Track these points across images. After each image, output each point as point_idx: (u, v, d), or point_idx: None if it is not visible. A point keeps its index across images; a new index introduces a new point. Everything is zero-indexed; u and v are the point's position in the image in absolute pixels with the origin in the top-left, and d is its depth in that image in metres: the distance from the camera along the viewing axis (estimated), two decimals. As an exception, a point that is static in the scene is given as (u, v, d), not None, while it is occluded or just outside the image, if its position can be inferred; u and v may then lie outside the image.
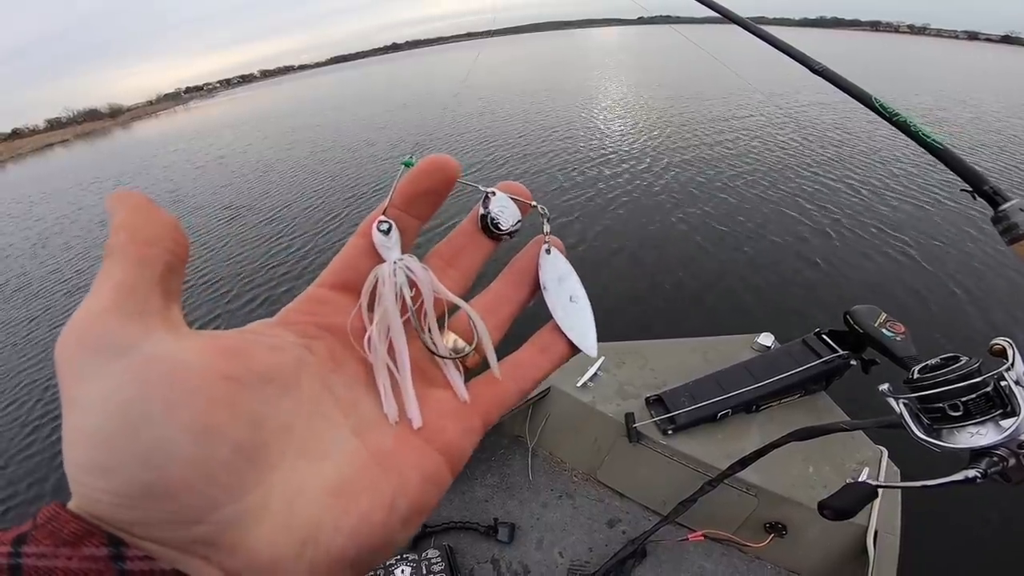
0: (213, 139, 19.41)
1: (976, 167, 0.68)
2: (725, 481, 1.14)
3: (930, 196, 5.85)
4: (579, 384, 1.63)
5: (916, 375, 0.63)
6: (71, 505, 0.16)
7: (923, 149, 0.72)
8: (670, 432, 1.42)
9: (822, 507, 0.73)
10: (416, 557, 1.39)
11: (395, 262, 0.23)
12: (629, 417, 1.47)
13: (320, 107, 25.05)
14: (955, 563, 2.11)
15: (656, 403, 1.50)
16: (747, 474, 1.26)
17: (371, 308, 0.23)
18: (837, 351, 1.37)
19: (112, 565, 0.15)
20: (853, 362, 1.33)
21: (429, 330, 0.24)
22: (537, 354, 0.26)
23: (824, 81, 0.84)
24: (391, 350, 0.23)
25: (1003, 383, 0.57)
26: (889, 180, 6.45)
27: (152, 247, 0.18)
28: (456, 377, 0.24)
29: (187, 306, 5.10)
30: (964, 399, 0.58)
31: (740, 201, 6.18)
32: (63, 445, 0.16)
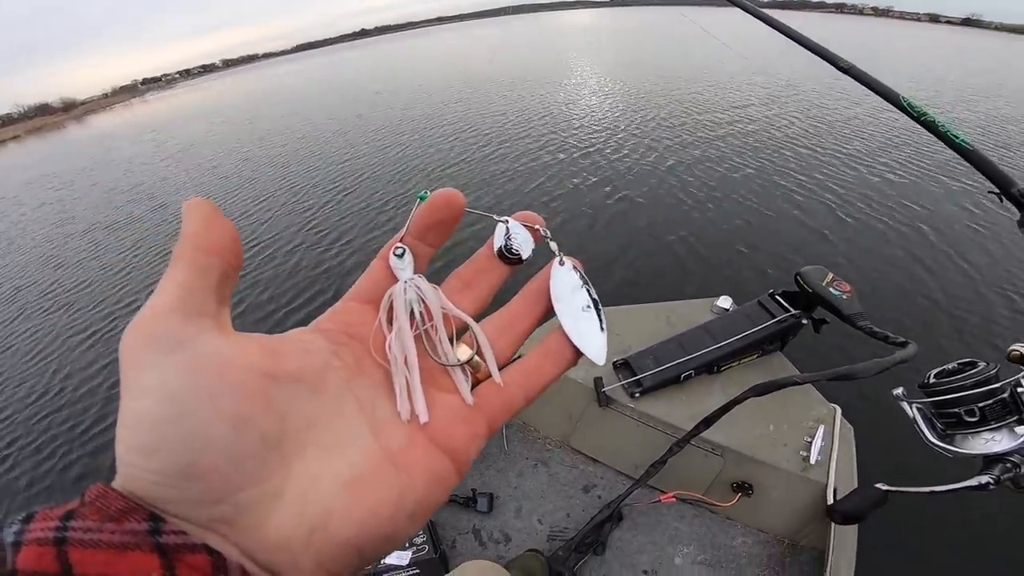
0: (174, 131, 18.55)
1: (1005, 170, 0.66)
2: (692, 442, 1.18)
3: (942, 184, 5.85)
4: None
5: (932, 379, 0.63)
6: (116, 484, 0.18)
7: (951, 149, 0.69)
8: (637, 395, 1.46)
9: (831, 511, 0.71)
10: (397, 532, 1.41)
11: (406, 281, 0.26)
12: (598, 381, 1.50)
13: (289, 96, 24.19)
14: (912, 516, 2.22)
15: (623, 367, 1.53)
16: (712, 434, 1.30)
17: (391, 322, 0.26)
18: (790, 311, 1.43)
19: (150, 538, 0.17)
20: (804, 321, 1.39)
21: (440, 341, 0.26)
22: (543, 360, 0.27)
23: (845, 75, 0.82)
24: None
25: (1020, 389, 0.57)
26: (894, 164, 6.51)
27: (212, 257, 0.21)
28: (462, 382, 0.26)
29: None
30: (980, 405, 0.58)
31: (709, 170, 6.35)
32: (117, 427, 0.18)
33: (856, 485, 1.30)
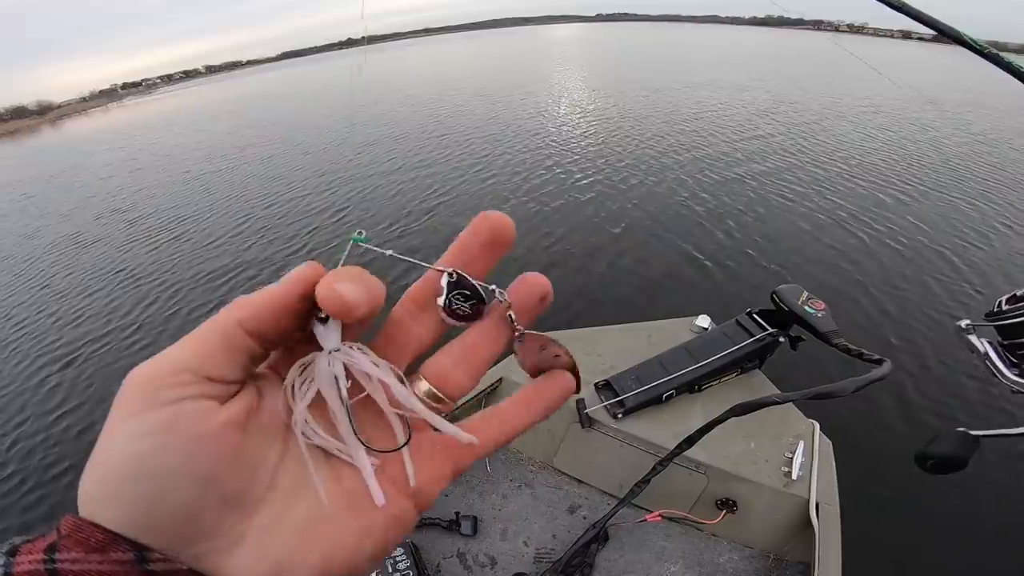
0: (151, 139, 18.10)
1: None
2: (675, 461, 1.18)
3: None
4: None
5: (1005, 306, 0.56)
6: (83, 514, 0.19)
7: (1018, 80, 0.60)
8: (620, 416, 1.46)
9: (921, 459, 0.61)
10: (380, 557, 1.38)
11: (331, 352, 0.23)
12: (580, 403, 1.50)
13: (274, 105, 23.93)
14: (895, 529, 2.27)
15: (605, 388, 1.54)
16: (695, 452, 1.31)
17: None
18: (767, 329, 1.45)
19: (138, 567, 0.18)
20: (782, 339, 1.42)
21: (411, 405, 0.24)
22: (517, 408, 0.26)
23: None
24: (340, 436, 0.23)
25: None
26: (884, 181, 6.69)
27: (249, 339, 0.21)
28: (410, 468, 0.24)
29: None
30: None
31: (686, 189, 6.48)
32: (87, 464, 0.19)
33: (838, 499, 1.32)
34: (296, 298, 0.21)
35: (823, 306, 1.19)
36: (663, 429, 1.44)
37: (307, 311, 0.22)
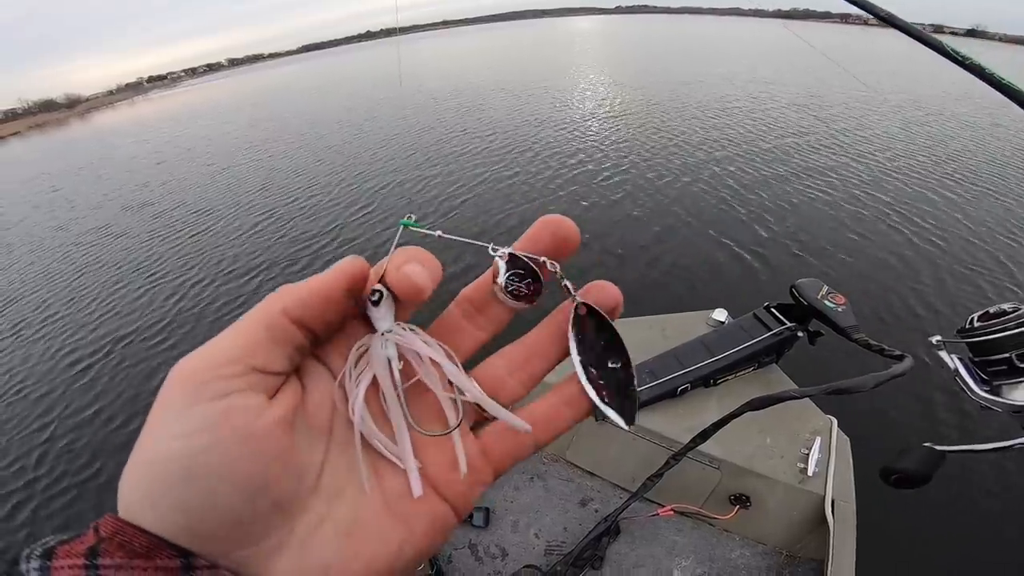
0: (175, 132, 18.42)
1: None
2: (689, 455, 1.17)
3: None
4: None
5: (976, 323, 0.56)
6: (123, 517, 0.18)
7: (998, 91, 0.60)
8: None
9: (886, 473, 0.61)
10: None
11: (384, 333, 0.22)
12: None
13: (295, 98, 24.19)
14: (911, 528, 2.23)
15: None
16: (709, 447, 1.30)
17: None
18: (785, 323, 1.43)
19: (183, 575, 0.17)
20: (800, 334, 1.39)
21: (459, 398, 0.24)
22: (560, 407, 0.25)
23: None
24: (388, 424, 0.23)
25: None
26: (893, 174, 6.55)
27: (295, 329, 0.20)
28: (460, 453, 0.23)
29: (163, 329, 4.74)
30: None
31: (701, 185, 6.38)
32: (131, 459, 0.18)
33: (854, 496, 1.30)
34: (341, 291, 0.21)
35: (843, 300, 1.17)
36: (677, 423, 1.43)
37: (350, 304, 0.22)
